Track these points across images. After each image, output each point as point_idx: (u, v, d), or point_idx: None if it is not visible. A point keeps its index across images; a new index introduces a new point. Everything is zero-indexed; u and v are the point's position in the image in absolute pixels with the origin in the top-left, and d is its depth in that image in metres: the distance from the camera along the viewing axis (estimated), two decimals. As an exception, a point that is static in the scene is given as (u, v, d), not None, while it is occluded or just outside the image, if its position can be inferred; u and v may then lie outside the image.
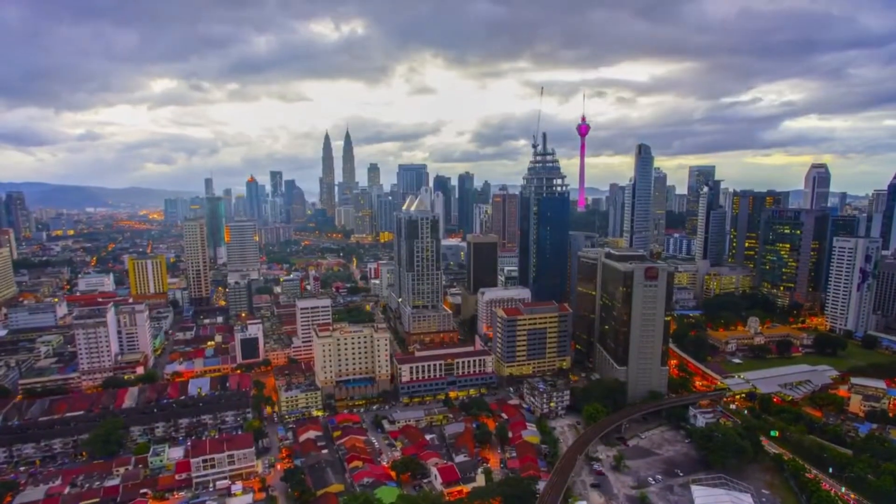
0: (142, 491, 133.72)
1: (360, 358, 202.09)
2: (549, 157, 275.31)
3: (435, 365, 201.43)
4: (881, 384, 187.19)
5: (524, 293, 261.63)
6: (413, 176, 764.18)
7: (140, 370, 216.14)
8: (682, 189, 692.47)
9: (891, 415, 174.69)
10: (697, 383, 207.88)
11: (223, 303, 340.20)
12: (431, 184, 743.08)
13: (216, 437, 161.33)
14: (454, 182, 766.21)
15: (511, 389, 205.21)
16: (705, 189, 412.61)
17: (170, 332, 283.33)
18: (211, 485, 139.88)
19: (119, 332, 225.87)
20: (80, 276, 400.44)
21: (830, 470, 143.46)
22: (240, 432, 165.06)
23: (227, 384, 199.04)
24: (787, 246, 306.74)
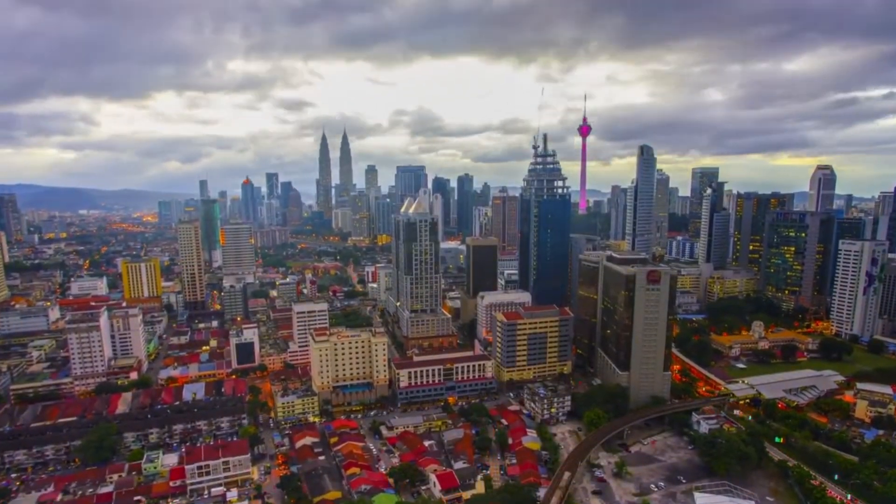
0: (135, 498, 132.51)
1: (357, 363, 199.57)
2: (549, 159, 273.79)
3: (433, 370, 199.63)
4: (887, 389, 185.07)
5: (524, 297, 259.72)
6: (411, 177, 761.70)
7: (134, 375, 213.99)
8: (685, 191, 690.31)
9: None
10: (701, 389, 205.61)
11: (218, 307, 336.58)
12: (430, 185, 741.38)
13: (211, 443, 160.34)
14: (453, 184, 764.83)
15: (511, 395, 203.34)
16: (708, 191, 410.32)
17: (164, 336, 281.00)
18: (206, 492, 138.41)
19: (112, 337, 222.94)
20: (72, 279, 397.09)
21: (836, 476, 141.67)
22: (235, 438, 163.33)
23: (223, 389, 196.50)
24: (792, 249, 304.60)
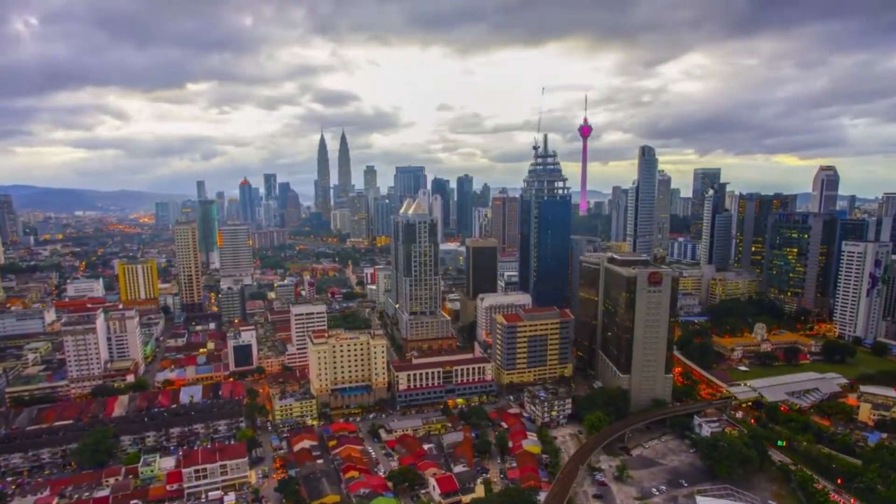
0: (132, 502, 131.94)
1: (356, 365, 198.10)
2: (549, 160, 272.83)
3: (433, 373, 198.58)
4: (891, 392, 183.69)
5: (524, 299, 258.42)
6: (411, 178, 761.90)
7: (130, 378, 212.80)
8: (686, 192, 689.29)
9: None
10: (702, 391, 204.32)
11: (216, 309, 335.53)
12: (430, 186, 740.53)
13: (208, 446, 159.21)
14: (453, 185, 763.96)
15: (511, 398, 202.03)
16: (710, 192, 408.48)
17: (161, 338, 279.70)
18: (203, 495, 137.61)
19: (109, 339, 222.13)
20: (68, 281, 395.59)
21: (839, 480, 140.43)
22: (233, 442, 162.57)
23: (220, 392, 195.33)
24: (795, 250, 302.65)
